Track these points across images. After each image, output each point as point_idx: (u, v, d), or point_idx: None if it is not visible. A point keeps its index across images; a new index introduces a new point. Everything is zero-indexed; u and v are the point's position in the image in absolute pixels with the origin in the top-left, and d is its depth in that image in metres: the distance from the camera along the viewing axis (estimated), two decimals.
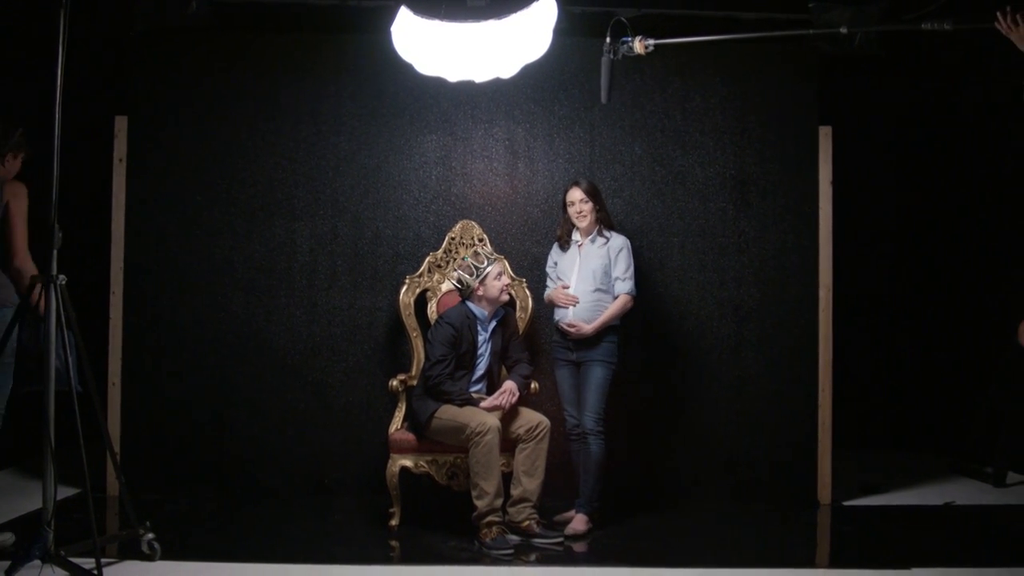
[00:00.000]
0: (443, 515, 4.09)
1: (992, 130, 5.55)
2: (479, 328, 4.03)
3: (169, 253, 4.51)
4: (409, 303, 4.39)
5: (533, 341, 4.47)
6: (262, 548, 3.68)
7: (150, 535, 3.39)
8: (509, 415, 3.92)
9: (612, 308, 4.00)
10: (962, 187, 5.81)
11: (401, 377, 4.25)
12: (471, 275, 4.00)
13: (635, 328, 4.38)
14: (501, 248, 4.50)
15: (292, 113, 4.57)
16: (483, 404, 3.89)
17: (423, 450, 3.98)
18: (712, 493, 4.57)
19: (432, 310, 4.41)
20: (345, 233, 4.57)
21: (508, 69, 3.02)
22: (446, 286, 4.39)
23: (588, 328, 3.95)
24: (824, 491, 4.54)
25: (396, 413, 4.24)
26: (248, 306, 4.53)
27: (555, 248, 4.22)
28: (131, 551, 3.41)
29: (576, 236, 4.14)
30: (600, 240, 4.08)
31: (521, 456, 3.85)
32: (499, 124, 4.62)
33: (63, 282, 3.10)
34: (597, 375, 3.97)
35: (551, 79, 4.57)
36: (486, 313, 4.04)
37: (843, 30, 3.57)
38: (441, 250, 4.47)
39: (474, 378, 4.02)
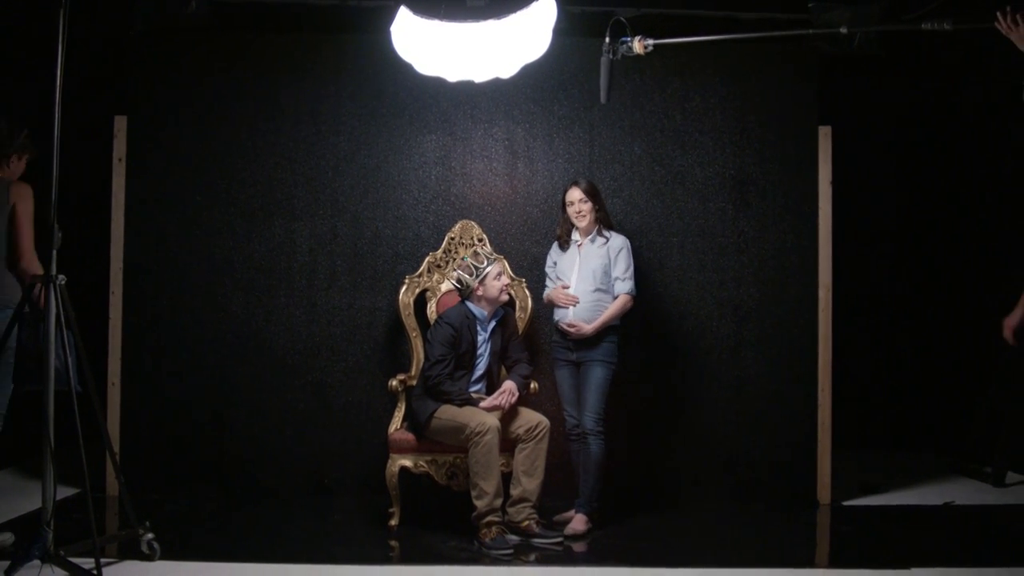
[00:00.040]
0: (443, 515, 4.08)
1: (992, 130, 5.55)
2: (479, 328, 4.03)
3: (169, 253, 4.51)
4: (409, 303, 4.39)
5: (533, 341, 4.47)
6: (262, 548, 3.68)
7: (150, 535, 3.39)
8: (509, 415, 3.92)
9: (612, 308, 4.00)
10: (962, 187, 5.81)
11: (401, 377, 4.25)
12: (471, 275, 4.00)
13: (635, 328, 4.38)
14: (500, 248, 4.50)
15: (292, 113, 4.58)
16: (482, 404, 3.89)
17: (423, 450, 3.98)
18: (712, 493, 4.57)
19: (432, 310, 4.41)
20: (345, 233, 4.58)
21: (508, 69, 3.02)
22: (446, 286, 4.39)
23: (588, 328, 3.95)
24: (824, 491, 4.54)
25: (396, 413, 4.25)
26: (248, 306, 4.53)
27: (554, 248, 4.22)
28: (131, 551, 3.41)
29: (576, 236, 4.14)
30: (600, 240, 4.08)
31: (521, 456, 3.85)
32: (499, 124, 4.62)
33: (62, 282, 3.10)
34: (597, 375, 3.97)
35: (550, 79, 4.57)
36: (485, 313, 4.04)
37: (843, 30, 3.57)
38: (441, 250, 4.47)
39: (474, 378, 4.02)
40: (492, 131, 4.63)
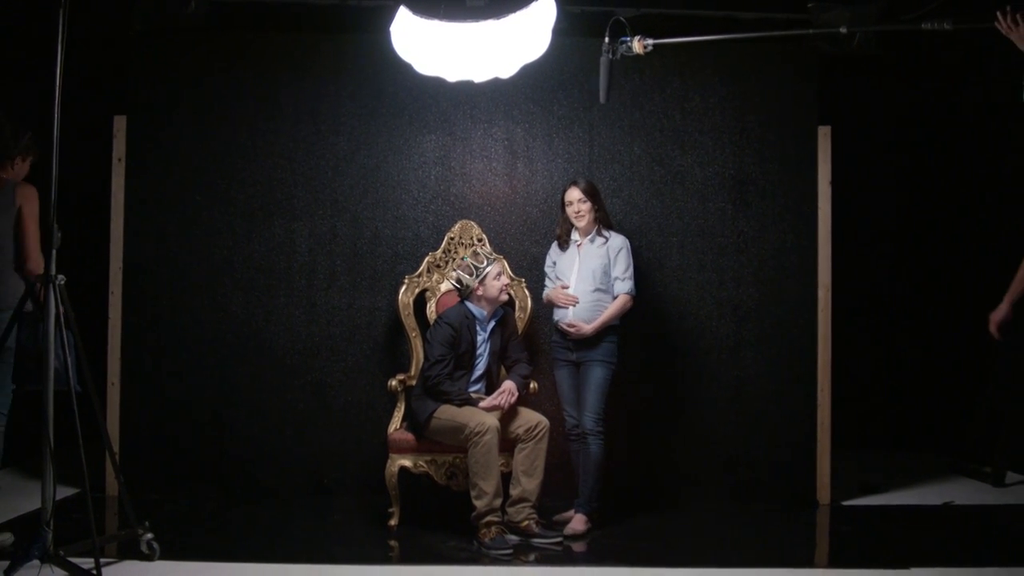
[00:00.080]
0: (442, 515, 4.08)
1: (992, 130, 5.55)
2: (478, 328, 4.03)
3: (168, 253, 4.51)
4: (408, 303, 4.39)
5: (532, 341, 4.47)
6: (261, 548, 3.68)
7: (149, 535, 3.39)
8: (508, 415, 3.92)
9: (612, 308, 4.00)
10: (962, 187, 5.80)
11: (400, 377, 4.25)
12: (470, 275, 4.00)
13: (634, 328, 4.37)
14: (500, 248, 4.50)
15: (291, 113, 4.57)
16: (482, 404, 3.89)
17: (422, 450, 3.98)
18: (711, 493, 4.57)
19: (431, 310, 4.41)
20: (344, 233, 4.57)
21: (507, 69, 3.01)
22: (445, 286, 4.39)
23: (588, 328, 3.95)
24: (823, 491, 4.54)
25: (395, 413, 4.24)
26: (247, 306, 4.53)
27: (554, 247, 4.22)
28: (130, 551, 3.41)
29: (575, 236, 4.14)
30: (599, 240, 4.08)
31: (520, 456, 3.85)
32: (498, 124, 4.62)
33: (62, 282, 3.10)
34: (597, 375, 3.97)
35: (550, 79, 4.57)
36: (485, 313, 4.04)
37: (843, 30, 3.56)
38: (440, 250, 4.47)
39: (473, 378, 4.02)
40: (492, 131, 4.63)
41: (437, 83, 3.25)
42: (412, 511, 4.08)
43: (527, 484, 3.81)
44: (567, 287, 4.04)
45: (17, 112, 3.83)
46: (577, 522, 3.94)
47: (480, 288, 3.99)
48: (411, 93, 4.55)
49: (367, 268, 4.57)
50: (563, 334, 4.04)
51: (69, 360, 3.09)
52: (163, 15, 4.31)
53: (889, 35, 4.49)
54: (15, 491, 4.41)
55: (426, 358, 4.00)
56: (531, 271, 4.48)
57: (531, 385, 4.18)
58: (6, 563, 3.02)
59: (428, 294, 4.45)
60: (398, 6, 2.89)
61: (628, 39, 3.26)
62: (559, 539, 3.81)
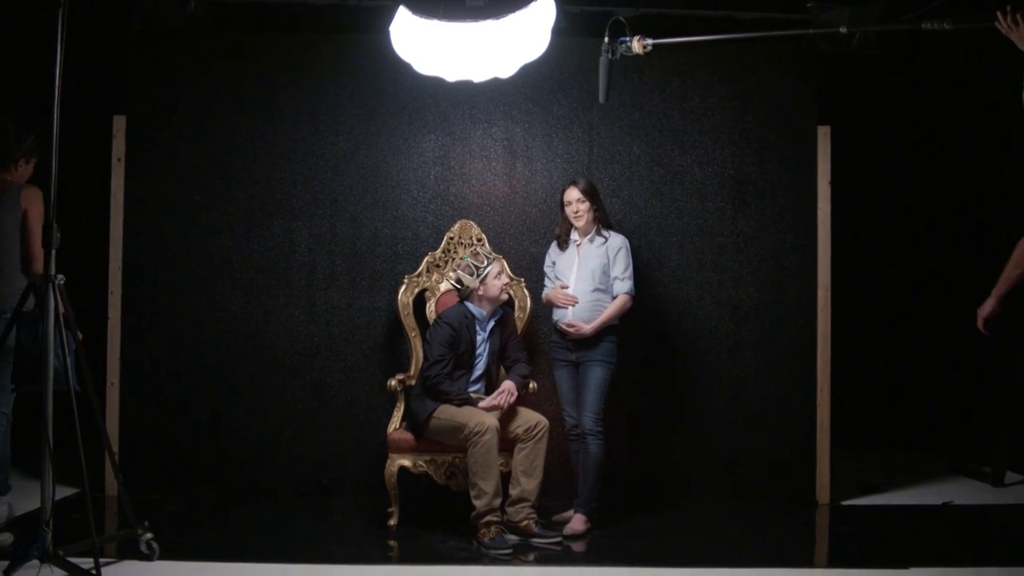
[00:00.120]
0: (441, 515, 4.09)
1: (992, 130, 5.55)
2: (477, 328, 4.02)
3: (167, 253, 4.51)
4: (408, 303, 4.39)
5: (532, 341, 4.47)
6: (260, 548, 3.68)
7: (148, 535, 3.39)
8: (508, 415, 3.92)
9: (611, 308, 4.00)
10: (961, 187, 5.80)
11: (399, 377, 4.25)
12: (471, 275, 3.99)
13: (634, 328, 4.37)
14: (499, 248, 4.50)
15: (291, 113, 4.57)
16: (481, 404, 3.89)
17: (421, 450, 3.98)
18: (711, 493, 4.57)
19: (431, 310, 4.40)
20: (344, 233, 4.57)
21: (506, 69, 3.01)
22: (444, 286, 4.39)
23: (587, 328, 3.95)
24: (823, 491, 4.54)
25: (394, 413, 4.24)
26: (247, 306, 4.53)
27: (553, 247, 4.21)
28: (129, 551, 3.41)
29: (574, 236, 4.14)
30: (599, 240, 4.08)
31: (520, 456, 3.85)
32: (497, 124, 4.62)
33: (61, 282, 3.10)
34: (596, 375, 3.97)
35: (549, 79, 4.57)
36: (484, 313, 4.04)
37: (842, 29, 3.56)
38: (440, 250, 4.47)
39: (472, 378, 4.02)
40: (491, 131, 4.62)
41: (436, 83, 3.25)
42: (411, 511, 4.08)
43: (526, 484, 3.81)
44: (566, 287, 4.04)
45: (17, 112, 3.83)
46: (576, 522, 3.94)
47: (481, 288, 3.99)
48: (410, 93, 4.55)
49: (366, 268, 4.57)
50: (562, 334, 4.04)
51: (68, 360, 3.09)
52: (162, 15, 4.32)
53: (889, 35, 4.49)
54: (14, 491, 4.39)
55: (425, 358, 4.00)
56: (530, 271, 4.48)
57: (530, 385, 4.18)
58: (6, 563, 3.01)
59: (427, 294, 4.45)
60: (397, 6, 2.89)
61: (627, 39, 3.26)
62: (558, 539, 3.81)
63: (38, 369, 3.12)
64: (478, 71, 3.00)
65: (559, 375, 4.11)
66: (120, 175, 4.47)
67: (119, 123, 4.47)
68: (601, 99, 3.37)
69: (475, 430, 3.72)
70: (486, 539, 3.67)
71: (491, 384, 4.06)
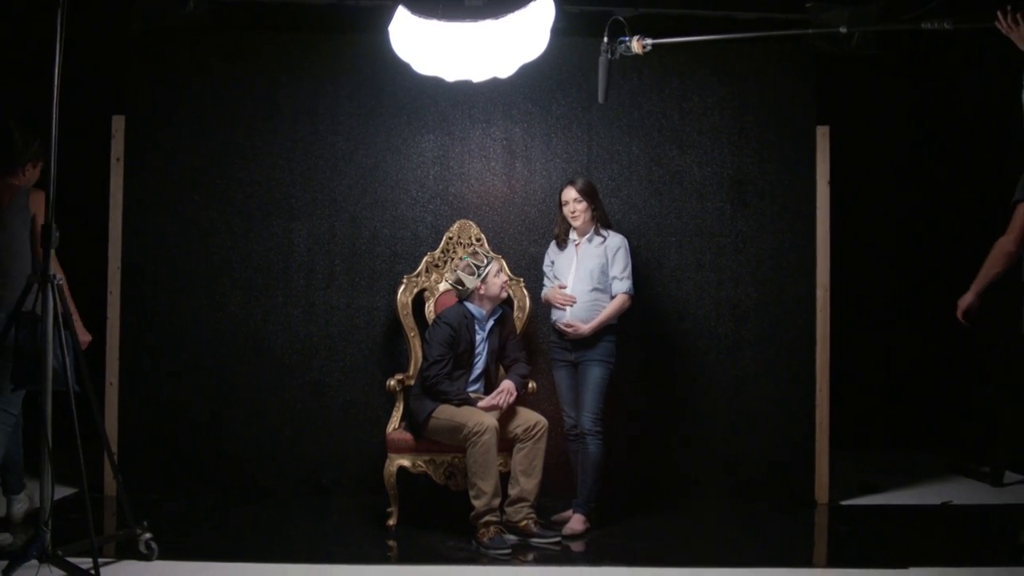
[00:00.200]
0: (441, 515, 4.08)
1: (992, 130, 5.55)
2: (477, 328, 4.02)
3: (167, 253, 4.51)
4: (407, 303, 4.39)
5: (531, 341, 4.47)
6: (260, 548, 3.68)
7: (147, 535, 3.38)
8: (507, 415, 3.92)
9: (610, 308, 4.00)
10: (961, 187, 5.80)
11: (399, 377, 4.24)
12: (472, 274, 3.99)
13: (633, 328, 4.37)
14: (499, 248, 4.50)
15: (290, 113, 4.57)
16: (481, 404, 3.89)
17: (421, 450, 3.98)
18: (710, 493, 4.57)
19: (430, 310, 4.40)
20: (343, 233, 4.57)
21: (506, 69, 3.01)
22: (443, 286, 4.39)
23: (586, 328, 3.95)
24: (822, 491, 4.54)
25: (394, 413, 4.24)
26: (246, 306, 4.53)
27: (552, 246, 4.21)
28: (129, 551, 3.41)
29: (573, 235, 4.13)
30: (597, 239, 4.08)
31: (519, 456, 3.85)
32: (497, 124, 4.62)
33: (60, 281, 3.10)
34: (595, 375, 3.96)
35: (548, 79, 4.57)
36: (484, 312, 4.04)
37: (842, 29, 3.56)
38: (439, 250, 4.47)
39: (472, 378, 4.02)
40: (490, 131, 4.62)
41: (436, 83, 3.25)
42: (410, 511, 4.08)
43: (526, 484, 3.81)
44: (564, 287, 4.04)
45: (17, 112, 3.83)
46: (576, 522, 3.94)
47: (482, 287, 3.99)
48: (410, 93, 4.55)
49: (365, 268, 4.57)
50: (561, 334, 4.04)
51: (67, 360, 3.08)
52: (162, 15, 4.31)
53: (889, 35, 4.48)
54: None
55: (425, 358, 4.00)
56: (529, 271, 4.48)
57: (530, 385, 4.18)
58: (4, 563, 3.01)
59: (426, 294, 4.45)
60: (397, 6, 2.90)
61: (627, 39, 3.26)
62: (557, 539, 3.81)
63: (37, 369, 3.12)
64: (477, 71, 3.01)
65: (558, 375, 4.11)
66: (119, 175, 4.46)
67: (118, 123, 4.47)
68: (600, 99, 3.37)
69: (474, 430, 3.72)
70: (485, 539, 3.67)
71: (490, 384, 4.06)
